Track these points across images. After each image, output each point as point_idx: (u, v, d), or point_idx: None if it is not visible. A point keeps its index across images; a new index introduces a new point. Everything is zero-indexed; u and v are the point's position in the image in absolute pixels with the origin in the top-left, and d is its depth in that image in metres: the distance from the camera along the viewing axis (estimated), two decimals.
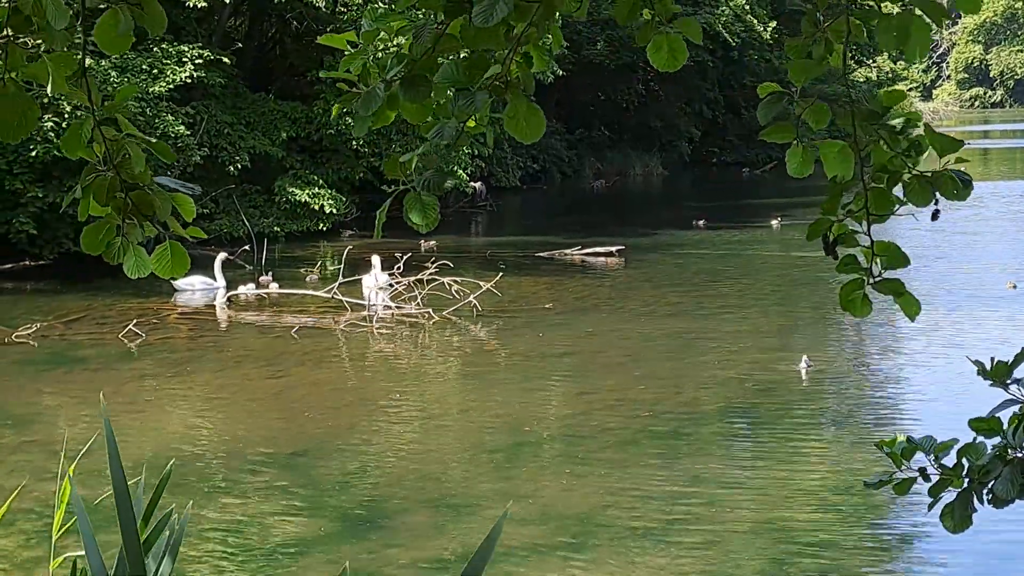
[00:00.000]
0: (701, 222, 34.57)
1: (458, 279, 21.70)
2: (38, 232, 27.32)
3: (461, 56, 3.68)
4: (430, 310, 20.93)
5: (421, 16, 3.75)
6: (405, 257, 22.96)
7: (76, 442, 13.56)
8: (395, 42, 4.27)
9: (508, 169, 46.36)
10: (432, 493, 11.66)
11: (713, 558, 9.85)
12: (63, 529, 5.41)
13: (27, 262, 27.77)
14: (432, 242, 29.56)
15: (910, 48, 3.71)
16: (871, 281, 3.88)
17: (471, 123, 3.60)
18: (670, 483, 11.74)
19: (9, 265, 27.50)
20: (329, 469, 12.49)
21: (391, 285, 22.86)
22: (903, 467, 4.36)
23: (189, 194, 3.50)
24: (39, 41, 3.22)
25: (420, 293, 21.49)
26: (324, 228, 33.20)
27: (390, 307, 21.70)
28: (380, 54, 3.80)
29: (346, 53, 3.83)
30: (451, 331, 20.21)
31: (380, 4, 33.08)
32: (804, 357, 16.39)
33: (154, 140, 3.45)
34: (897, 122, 3.83)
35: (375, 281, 23.10)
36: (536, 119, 3.58)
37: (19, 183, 26.50)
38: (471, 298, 20.97)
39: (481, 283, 21.31)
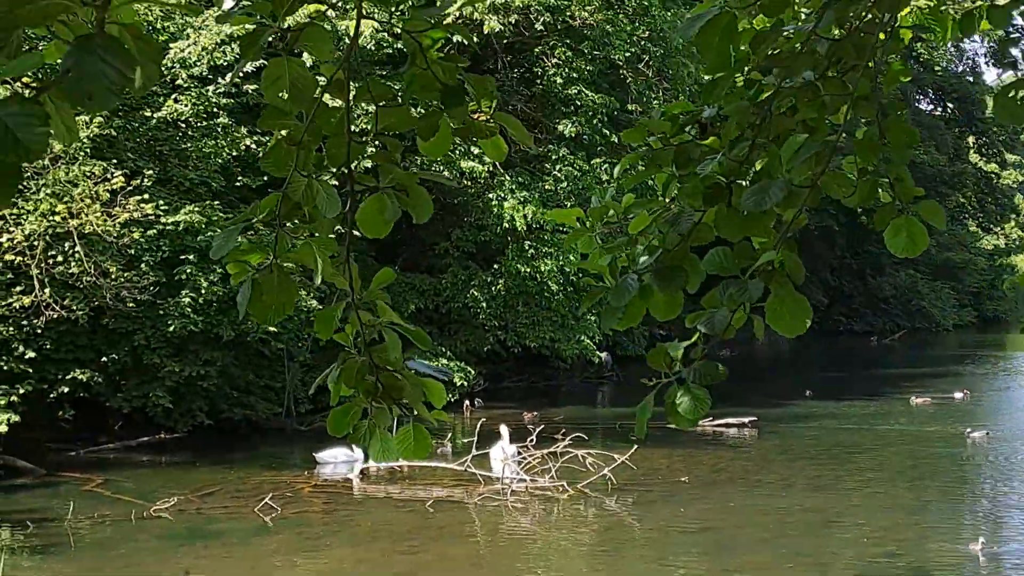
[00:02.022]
0: (921, 400, 33.36)
1: (592, 451, 21.45)
2: (173, 405, 27.70)
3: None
4: (564, 483, 20.69)
5: (666, 201, 3.70)
6: (537, 430, 22.81)
7: None
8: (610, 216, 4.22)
9: (634, 338, 46.18)
10: None
11: None
12: None
13: (162, 435, 28.12)
14: (559, 416, 29.39)
15: None
16: None
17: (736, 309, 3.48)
18: None
19: (146, 438, 27.86)
20: None
21: (520, 457, 22.69)
22: None
23: (443, 380, 3.45)
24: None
25: (554, 466, 21.28)
26: (452, 400, 33.19)
27: (521, 479, 21.48)
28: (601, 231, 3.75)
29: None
30: (586, 505, 19.93)
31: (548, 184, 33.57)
32: (980, 539, 15.86)
33: (412, 327, 3.40)
34: None
35: (503, 453, 22.96)
36: (802, 312, 3.47)
37: (157, 357, 26.96)
38: (606, 471, 20.71)
39: (615, 455, 21.05)
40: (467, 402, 33.75)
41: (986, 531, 17.00)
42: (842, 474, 22.23)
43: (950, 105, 70.56)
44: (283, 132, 3.10)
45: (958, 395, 33.09)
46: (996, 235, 78.97)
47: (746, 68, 3.58)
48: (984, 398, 35.84)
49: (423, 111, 3.27)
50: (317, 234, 3.24)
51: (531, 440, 22.51)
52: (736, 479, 21.96)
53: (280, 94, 2.98)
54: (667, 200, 3.75)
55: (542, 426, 23.31)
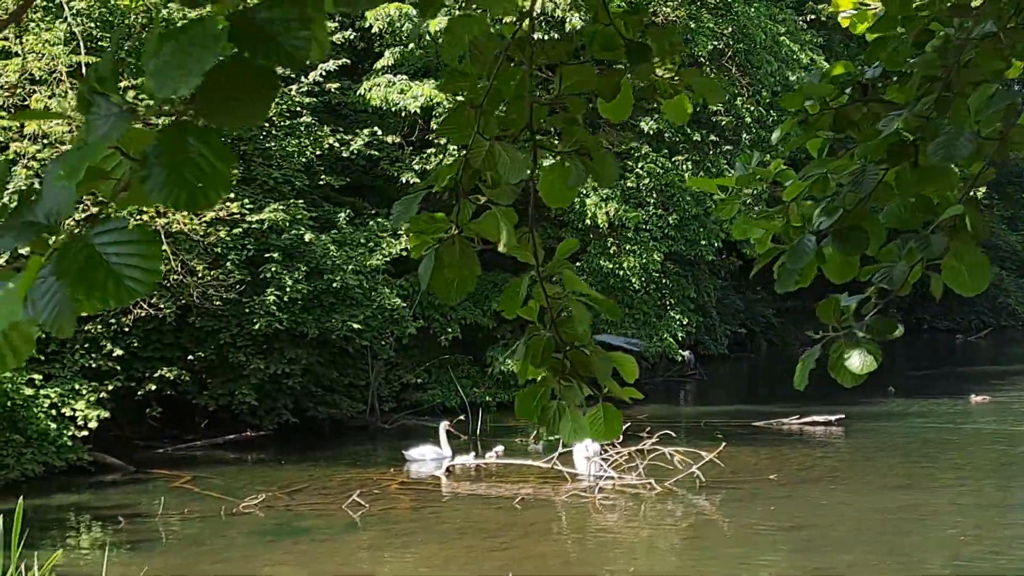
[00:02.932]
0: (981, 398, 32.86)
1: (679, 449, 21.28)
2: (259, 403, 27.87)
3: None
4: (652, 480, 20.55)
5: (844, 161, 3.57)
6: (624, 426, 22.61)
7: None
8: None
9: (716, 337, 45.87)
10: None
11: None
12: None
13: (248, 432, 28.30)
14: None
15: None
16: None
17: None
18: None
19: (232, 436, 28.06)
20: None
21: (605, 455, 22.56)
22: None
23: (635, 351, 3.35)
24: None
25: (641, 463, 21.14)
26: None
27: (603, 476, 21.35)
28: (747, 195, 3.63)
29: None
30: (675, 502, 19.78)
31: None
32: None
33: (601, 297, 3.29)
34: None
35: (587, 450, 22.85)
36: (982, 270, 3.34)
37: (242, 355, 27.13)
38: (694, 468, 20.55)
39: (703, 453, 20.86)
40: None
41: None
42: (933, 472, 21.89)
43: None
44: (460, 96, 2.97)
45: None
46: None
47: (923, 19, 3.45)
48: None
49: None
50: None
51: (618, 437, 22.31)
52: (825, 477, 21.70)
53: (459, 54, 2.90)
54: (837, 163, 3.64)
55: (628, 423, 23.11)
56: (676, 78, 3.07)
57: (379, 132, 30.96)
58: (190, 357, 26.98)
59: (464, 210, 3.12)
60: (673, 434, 21.82)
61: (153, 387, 26.50)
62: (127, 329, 25.32)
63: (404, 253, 30.03)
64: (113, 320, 25.10)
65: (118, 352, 25.29)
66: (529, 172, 3.14)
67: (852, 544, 16.42)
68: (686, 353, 38.90)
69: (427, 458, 23.82)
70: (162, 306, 25.09)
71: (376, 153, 31.35)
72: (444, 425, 24.53)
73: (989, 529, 17.07)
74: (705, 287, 40.27)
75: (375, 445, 27.98)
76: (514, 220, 3.17)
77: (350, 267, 28.11)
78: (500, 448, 24.31)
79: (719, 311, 44.06)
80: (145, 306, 24.87)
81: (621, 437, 22.01)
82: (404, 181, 31.22)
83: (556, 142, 3.19)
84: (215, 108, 1.58)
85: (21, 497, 10.24)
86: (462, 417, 27.87)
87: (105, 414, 23.94)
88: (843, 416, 28.22)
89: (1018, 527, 17.40)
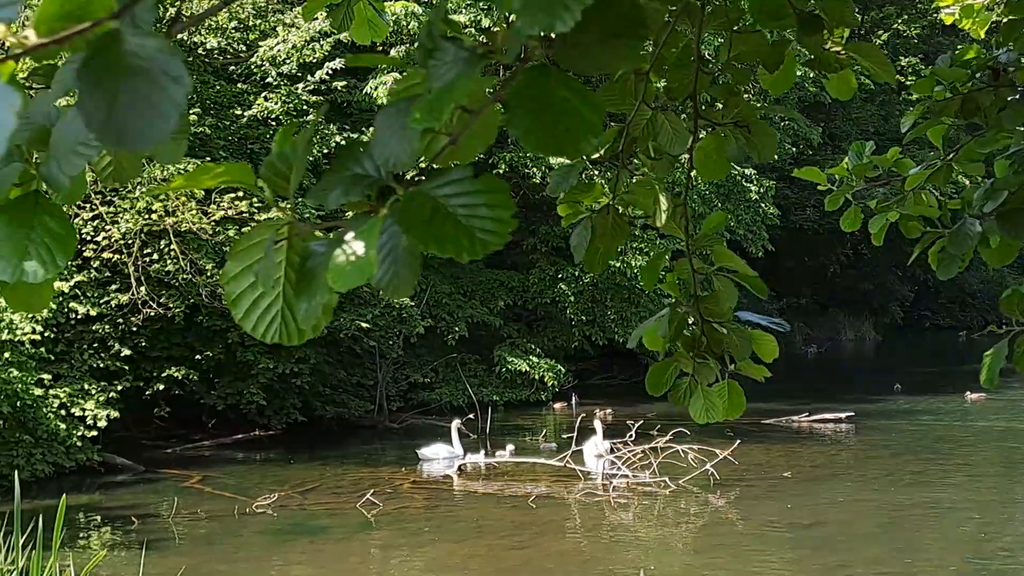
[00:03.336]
0: (976, 396, 32.68)
1: (693, 447, 21.20)
2: (267, 402, 27.80)
3: None
4: (666, 479, 20.49)
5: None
6: (636, 425, 22.60)
7: None
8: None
9: None
10: None
11: None
12: None
13: (257, 432, 28.23)
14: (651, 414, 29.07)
15: None
16: None
17: None
18: None
19: (240, 435, 27.99)
20: None
21: (618, 453, 22.52)
22: None
23: (778, 332, 3.28)
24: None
25: (654, 461, 21.09)
26: (545, 399, 33.14)
27: (616, 475, 21.30)
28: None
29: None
30: (689, 500, 19.72)
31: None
32: None
33: (751, 273, 3.21)
34: None
35: (596, 448, 22.83)
36: None
37: (251, 355, 27.04)
38: (708, 466, 20.50)
39: (716, 451, 20.80)
40: (574, 396, 33.66)
41: None
42: (947, 468, 21.85)
43: None
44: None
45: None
46: None
47: None
48: None
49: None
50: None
51: (630, 436, 22.30)
52: (839, 474, 21.66)
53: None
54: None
55: (641, 421, 23.07)
56: (843, 52, 3.00)
57: None
58: (198, 357, 26.89)
59: (621, 180, 3.05)
60: (688, 432, 21.74)
61: (161, 387, 26.40)
62: (135, 329, 25.23)
63: None
64: (121, 320, 25.01)
65: (126, 352, 25.20)
66: (690, 143, 3.07)
67: (870, 541, 16.37)
68: None
69: (440, 457, 23.75)
70: (171, 305, 24.99)
71: None
72: (456, 424, 24.48)
73: (1005, 526, 17.03)
74: None
75: (384, 444, 27.91)
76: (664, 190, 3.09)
77: None
78: (512, 447, 24.25)
79: None
80: (154, 306, 24.78)
81: (634, 435, 22.05)
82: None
83: (716, 111, 3.12)
84: (581, 51, 1.50)
85: (64, 495, 10.12)
86: (471, 416, 27.79)
87: (115, 414, 23.84)
88: (852, 414, 28.20)
89: None
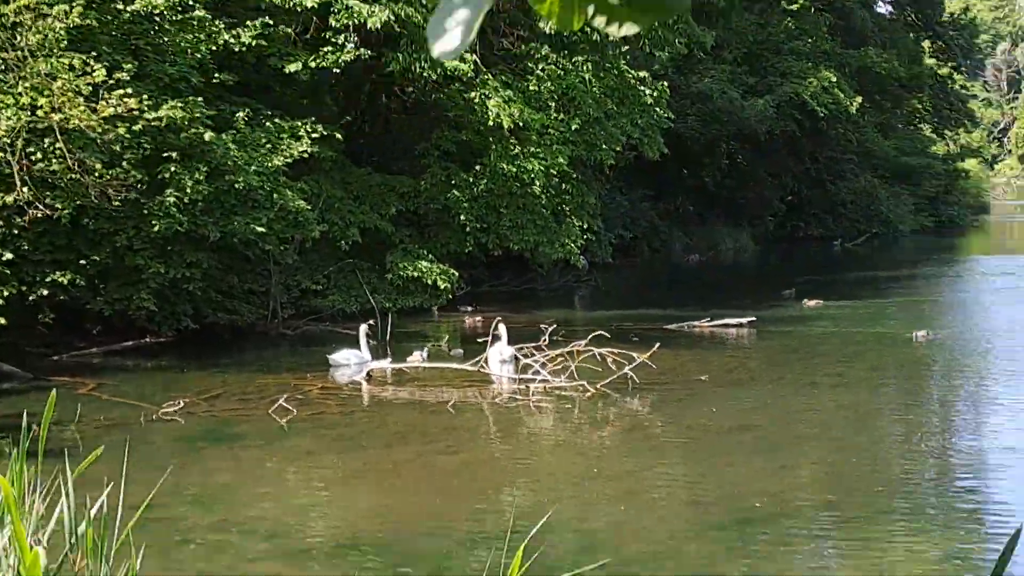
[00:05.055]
0: (814, 302, 32.88)
1: (615, 350, 20.80)
2: (157, 309, 26.76)
3: None
4: (584, 383, 20.09)
5: None
6: (550, 328, 22.18)
7: (273, 522, 12.84)
8: None
9: (602, 244, 45.52)
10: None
11: None
12: None
13: (147, 339, 27.22)
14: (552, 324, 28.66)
15: None
16: None
17: None
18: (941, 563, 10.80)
19: (130, 342, 26.96)
20: (555, 551, 11.55)
21: (516, 358, 22.14)
22: None
23: None
24: None
25: (573, 364, 20.69)
26: (439, 304, 32.56)
27: (533, 380, 20.86)
28: None
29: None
30: (610, 405, 19.34)
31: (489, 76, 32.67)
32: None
33: None
34: None
35: (500, 354, 22.37)
36: None
37: (140, 259, 25.95)
38: (627, 370, 20.14)
39: (635, 354, 20.43)
40: (470, 307, 33.23)
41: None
42: (862, 373, 21.86)
43: (908, 8, 70.10)
44: None
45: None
46: (949, 140, 78.95)
47: None
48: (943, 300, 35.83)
49: None
50: None
51: (544, 340, 21.87)
52: (756, 378, 21.51)
53: None
54: None
55: (555, 325, 22.67)
56: None
57: (271, 22, 29.63)
58: (83, 261, 25.73)
59: None
60: (608, 335, 21.32)
61: (45, 292, 25.20)
62: (16, 232, 23.96)
63: (305, 155, 29.00)
64: (2, 222, 23.73)
65: (8, 256, 23.95)
66: None
67: (808, 443, 16.22)
68: (582, 259, 38.53)
69: (351, 363, 23.07)
70: (57, 207, 23.76)
71: (265, 44, 29.74)
72: (364, 328, 23.82)
73: (938, 424, 17.02)
74: (596, 192, 39.86)
75: (280, 351, 27.16)
76: None
77: (252, 168, 27.01)
78: (423, 353, 23.67)
79: (604, 216, 43.62)
80: (41, 207, 23.54)
81: (547, 340, 21.61)
82: (291, 72, 30.15)
83: None
84: None
85: (54, 390, 9.28)
86: (371, 322, 27.13)
87: (2, 320, 22.67)
88: (754, 319, 28.11)
89: (959, 418, 17.42)
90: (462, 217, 33.17)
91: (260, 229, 26.69)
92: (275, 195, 27.54)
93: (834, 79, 55.22)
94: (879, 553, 11.07)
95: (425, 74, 31.49)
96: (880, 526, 11.97)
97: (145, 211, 25.35)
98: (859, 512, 12.45)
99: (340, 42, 30.78)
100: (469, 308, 33.00)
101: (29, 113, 23.26)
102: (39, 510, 7.70)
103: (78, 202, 24.17)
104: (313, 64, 30.60)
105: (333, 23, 30.28)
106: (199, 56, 28.05)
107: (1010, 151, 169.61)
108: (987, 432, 16.56)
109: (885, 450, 15.74)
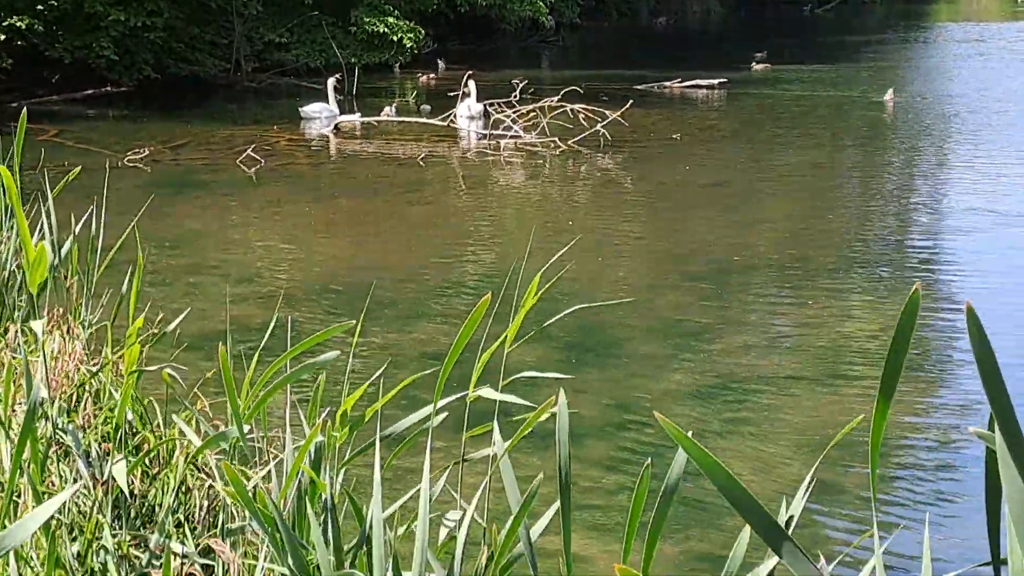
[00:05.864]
0: (762, 66, 32.45)
1: (588, 107, 20.51)
2: (118, 57, 26.16)
3: None
4: (556, 139, 19.87)
5: None
6: (521, 84, 21.83)
7: (245, 267, 12.74)
8: None
9: (569, 3, 44.63)
10: (653, 321, 10.77)
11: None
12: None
13: (108, 88, 26.68)
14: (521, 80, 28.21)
15: None
16: None
17: None
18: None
19: (90, 91, 26.42)
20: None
21: (487, 113, 21.87)
22: None
23: None
24: None
25: (544, 120, 20.42)
26: (405, 60, 32.00)
27: (504, 136, 20.60)
28: None
29: None
30: (582, 161, 19.13)
31: None
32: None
33: None
34: None
35: (468, 110, 22.07)
36: None
37: (99, 5, 25.26)
38: (599, 127, 19.90)
39: (608, 112, 20.16)
40: (440, 61, 32.72)
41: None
42: (836, 132, 21.75)
43: None
44: None
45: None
46: None
47: None
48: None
49: None
50: None
51: (515, 96, 21.54)
52: (728, 137, 21.34)
53: None
54: None
55: (525, 81, 22.31)
56: None
57: None
58: (40, 7, 25.00)
59: None
60: (581, 90, 20.97)
61: (2, 37, 24.56)
62: None
63: None
64: None
65: None
66: None
67: (783, 199, 16.18)
68: (549, 18, 37.83)
69: (322, 116, 22.69)
70: None
71: None
72: (331, 82, 23.36)
73: (920, 179, 17.04)
74: None
75: (245, 104, 26.73)
76: None
77: None
78: (392, 107, 23.30)
79: None
80: None
81: (518, 96, 21.30)
82: None
83: None
84: None
85: (25, 107, 8.98)
86: (338, 76, 26.62)
87: None
88: (726, 80, 27.80)
89: (922, 178, 17.44)
90: None
91: None
92: None
93: None
94: (841, 302, 11.10)
95: None
96: (841, 277, 11.98)
97: None
98: (824, 264, 12.45)
99: None
100: (434, 67, 32.43)
101: None
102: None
103: None
104: None
105: None
106: None
107: None
108: (948, 192, 16.48)
109: (852, 206, 15.68)
